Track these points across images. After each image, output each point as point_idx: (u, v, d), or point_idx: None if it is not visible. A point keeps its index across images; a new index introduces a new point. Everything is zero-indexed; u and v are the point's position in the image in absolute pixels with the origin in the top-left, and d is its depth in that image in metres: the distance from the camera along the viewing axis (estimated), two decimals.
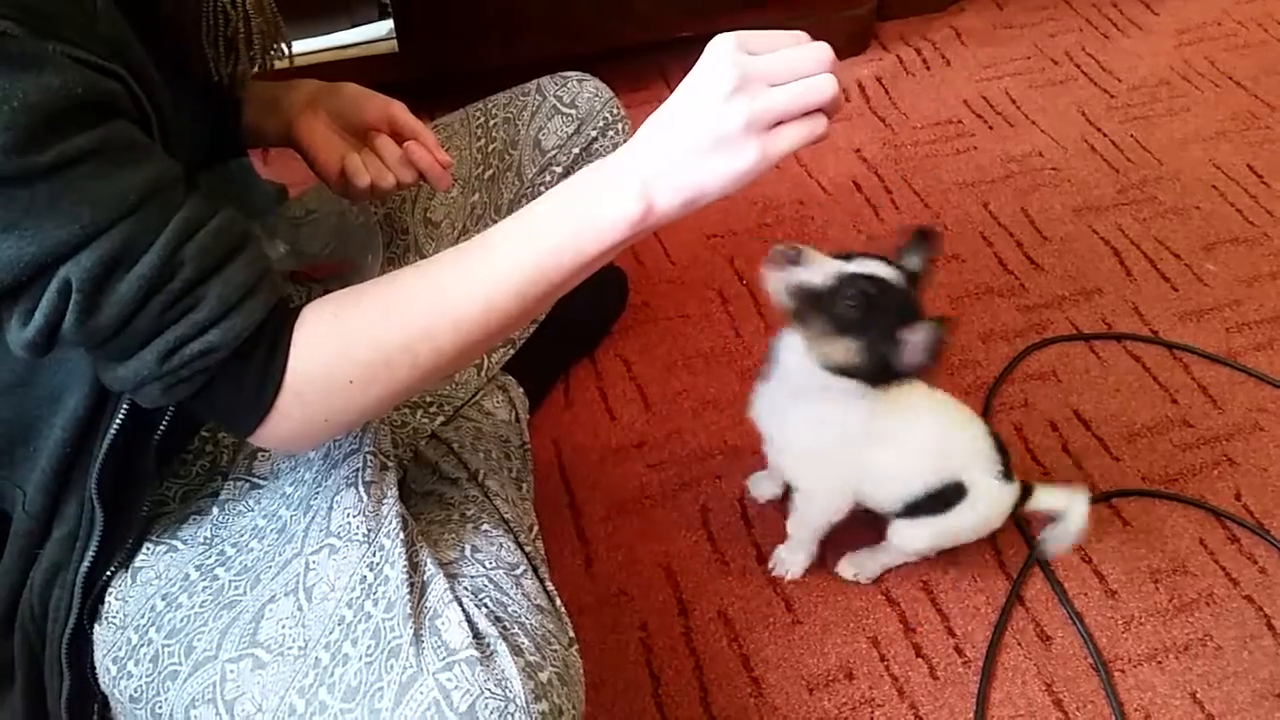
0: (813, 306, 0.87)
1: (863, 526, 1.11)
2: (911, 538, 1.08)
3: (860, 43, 1.94)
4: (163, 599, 0.76)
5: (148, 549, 0.78)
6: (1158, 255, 1.56)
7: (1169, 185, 1.68)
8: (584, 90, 1.14)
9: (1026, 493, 1.07)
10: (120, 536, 0.76)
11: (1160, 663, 1.10)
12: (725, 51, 0.64)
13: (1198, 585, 1.17)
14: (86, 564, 0.74)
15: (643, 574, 1.17)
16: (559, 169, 1.13)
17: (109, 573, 0.77)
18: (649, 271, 1.52)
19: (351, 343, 0.66)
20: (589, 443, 1.30)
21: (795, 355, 0.93)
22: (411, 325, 0.66)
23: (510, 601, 0.76)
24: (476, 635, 0.70)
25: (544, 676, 0.70)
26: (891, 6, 1.99)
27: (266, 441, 0.68)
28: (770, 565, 1.17)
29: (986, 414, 1.33)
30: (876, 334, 0.87)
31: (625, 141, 1.15)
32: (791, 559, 1.16)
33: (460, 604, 0.72)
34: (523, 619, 0.75)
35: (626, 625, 1.12)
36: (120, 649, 0.75)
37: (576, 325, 1.35)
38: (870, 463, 1.00)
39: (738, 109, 0.63)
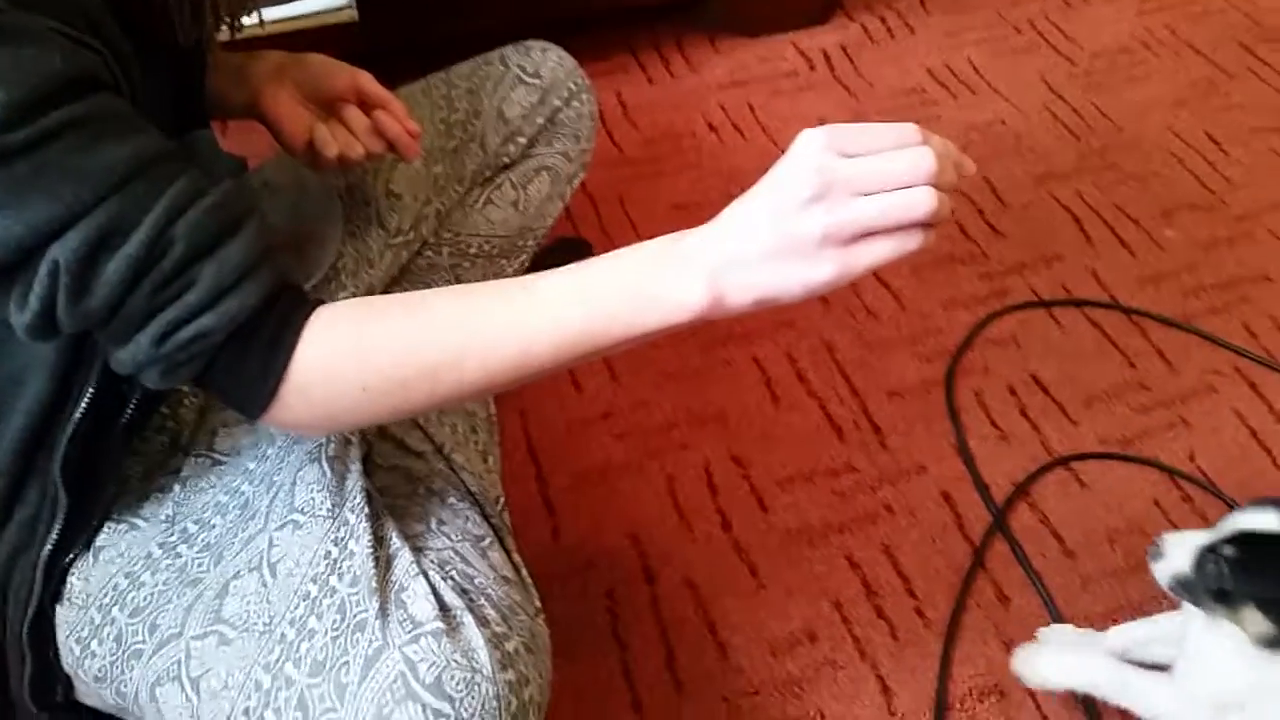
0: (1197, 593, 0.82)
1: None
2: None
3: (826, 12, 1.94)
4: (125, 577, 0.76)
5: (109, 528, 0.78)
6: (1117, 221, 1.58)
7: (1129, 152, 1.70)
8: (547, 60, 1.13)
9: None
10: (84, 519, 0.76)
11: (1116, 621, 1.12)
12: (811, 152, 0.58)
13: None
14: (49, 547, 0.74)
15: (610, 543, 1.18)
16: (523, 139, 1.12)
17: (71, 555, 0.77)
18: (615, 243, 1.50)
19: (370, 351, 0.64)
20: (555, 414, 1.31)
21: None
22: (439, 351, 0.64)
23: (476, 573, 0.77)
24: (443, 607, 0.71)
25: (510, 646, 0.71)
26: None
27: (275, 426, 0.67)
28: (1015, 663, 1.03)
29: (948, 380, 1.35)
30: (1269, 593, 0.79)
31: (590, 112, 1.16)
32: (1038, 665, 1.01)
33: (426, 577, 0.73)
34: (489, 590, 0.75)
35: (594, 594, 1.14)
36: (83, 629, 0.75)
37: None
38: None
39: (814, 220, 0.57)
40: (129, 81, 0.62)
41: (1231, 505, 1.22)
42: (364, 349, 0.64)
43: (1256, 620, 0.80)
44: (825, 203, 0.57)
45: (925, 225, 0.59)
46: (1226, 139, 1.72)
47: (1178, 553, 0.83)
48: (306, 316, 0.64)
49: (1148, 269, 1.51)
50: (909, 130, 0.60)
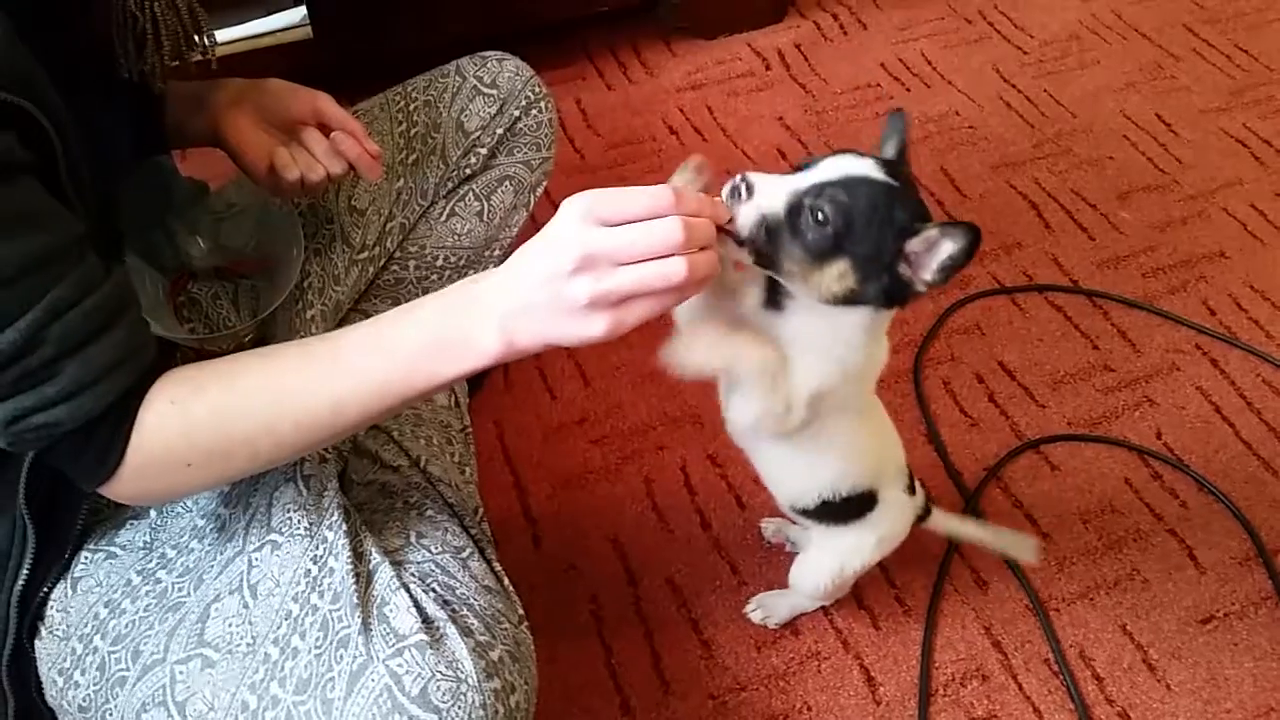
0: (779, 240, 0.69)
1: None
2: (814, 567, 1.03)
3: (779, 11, 1.95)
4: (105, 606, 0.75)
5: (86, 557, 0.78)
6: (1074, 206, 1.61)
7: (1082, 137, 1.73)
8: (504, 70, 1.13)
9: (926, 511, 1.04)
10: (55, 552, 0.75)
11: (1092, 599, 1.15)
12: (572, 222, 0.63)
13: (1125, 523, 1.22)
14: (21, 583, 0.73)
15: (591, 548, 1.18)
16: (484, 150, 1.12)
17: (46, 588, 0.76)
18: None
19: (192, 430, 0.66)
20: (531, 422, 1.31)
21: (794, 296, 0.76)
22: (252, 422, 0.66)
23: (458, 584, 0.77)
24: (425, 620, 0.71)
25: (495, 655, 0.71)
26: None
27: (111, 496, 0.68)
28: (750, 608, 1.12)
29: (916, 370, 1.36)
30: (870, 248, 0.70)
31: (549, 120, 1.16)
32: (775, 605, 1.11)
33: (407, 590, 0.73)
34: (471, 601, 0.76)
35: (578, 599, 1.14)
36: (65, 660, 0.75)
37: None
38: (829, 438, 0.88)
39: (580, 288, 0.62)
40: (58, 130, 0.62)
41: (1200, 481, 1.25)
42: (189, 427, 0.65)
43: (844, 277, 0.70)
44: (589, 274, 0.62)
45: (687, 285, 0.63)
46: (1176, 120, 1.76)
47: (770, 194, 0.68)
48: (140, 401, 0.65)
49: (1106, 252, 1.54)
50: (663, 195, 0.63)
